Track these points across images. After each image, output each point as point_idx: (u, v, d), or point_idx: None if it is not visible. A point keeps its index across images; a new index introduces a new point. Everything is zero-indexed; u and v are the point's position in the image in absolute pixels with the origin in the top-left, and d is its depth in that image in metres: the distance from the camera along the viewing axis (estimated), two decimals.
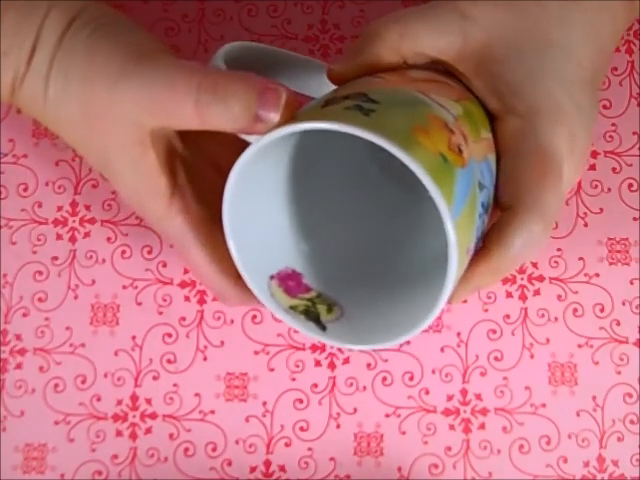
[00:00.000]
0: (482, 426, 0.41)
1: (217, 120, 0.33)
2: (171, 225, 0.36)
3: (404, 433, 0.41)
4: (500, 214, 0.33)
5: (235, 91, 0.32)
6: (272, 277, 0.36)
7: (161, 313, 0.42)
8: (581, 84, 0.34)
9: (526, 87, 0.34)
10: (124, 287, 0.43)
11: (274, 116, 0.31)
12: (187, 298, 0.43)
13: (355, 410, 0.41)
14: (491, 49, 0.34)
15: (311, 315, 0.36)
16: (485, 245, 0.33)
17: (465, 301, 0.42)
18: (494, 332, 0.42)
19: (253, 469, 0.41)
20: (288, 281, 0.36)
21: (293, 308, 0.36)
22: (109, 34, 0.35)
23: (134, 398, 0.42)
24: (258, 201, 0.36)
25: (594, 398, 0.41)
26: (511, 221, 0.32)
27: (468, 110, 0.33)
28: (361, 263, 0.38)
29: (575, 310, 0.42)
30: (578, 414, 0.41)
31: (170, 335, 0.42)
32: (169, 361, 0.42)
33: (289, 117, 0.31)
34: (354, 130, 0.29)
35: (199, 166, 0.37)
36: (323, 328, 0.36)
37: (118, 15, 0.37)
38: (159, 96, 0.33)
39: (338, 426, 0.41)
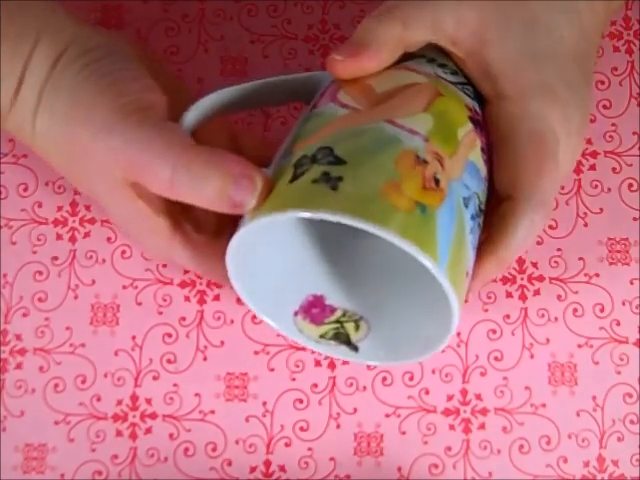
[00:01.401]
0: (482, 426, 0.41)
1: (190, 199, 0.33)
2: (175, 256, 0.37)
3: (404, 433, 0.41)
4: (501, 203, 0.33)
5: (210, 175, 0.32)
6: (296, 313, 0.37)
7: (161, 313, 0.42)
8: (567, 62, 0.34)
9: (516, 69, 0.34)
10: (124, 287, 0.43)
11: (249, 202, 0.32)
12: (187, 298, 0.43)
13: (355, 410, 0.41)
14: (482, 32, 0.34)
15: (341, 338, 0.37)
16: (490, 237, 0.33)
17: (465, 301, 0.42)
18: (494, 332, 0.42)
19: (253, 469, 0.41)
20: (312, 309, 0.37)
21: (323, 336, 0.37)
22: (97, 74, 0.35)
23: (134, 398, 0.41)
24: (263, 250, 0.36)
25: (594, 398, 0.41)
26: (513, 211, 0.32)
27: (441, 112, 0.33)
28: (379, 275, 0.39)
29: (575, 310, 0.42)
30: (578, 414, 0.41)
31: (170, 335, 0.42)
32: (169, 361, 0.42)
33: (264, 199, 0.32)
34: (323, 215, 0.29)
35: None
36: (355, 349, 0.37)
37: (111, 46, 0.36)
38: (136, 161, 0.33)
39: (338, 426, 0.41)
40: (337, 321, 0.37)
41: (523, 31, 0.34)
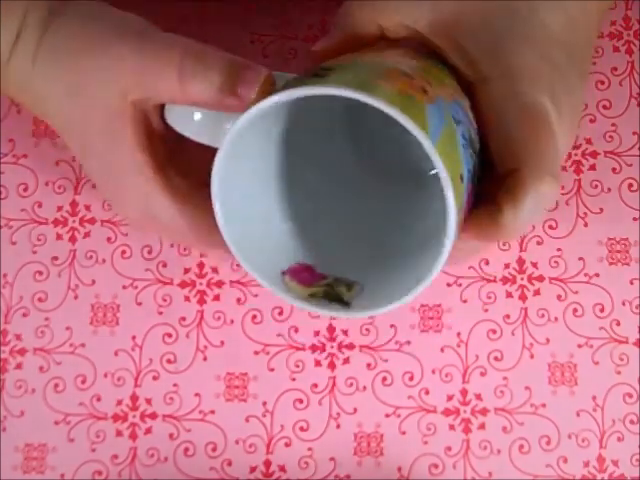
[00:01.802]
0: (482, 426, 0.41)
1: (197, 90, 0.33)
2: (154, 204, 0.36)
3: (404, 433, 0.41)
4: (507, 180, 0.33)
5: (217, 63, 0.33)
6: (284, 273, 0.36)
7: (161, 313, 0.42)
8: (552, 47, 0.34)
9: (498, 52, 0.34)
10: (124, 287, 0.43)
11: (253, 92, 0.33)
12: (187, 298, 0.43)
13: (355, 410, 0.41)
14: (461, 18, 0.34)
15: (332, 296, 0.36)
16: (498, 205, 0.33)
17: (465, 301, 0.42)
18: (494, 332, 0.42)
19: (253, 469, 0.41)
20: (301, 274, 0.36)
21: (312, 295, 0.36)
22: (100, 12, 0.36)
23: (134, 398, 0.42)
24: (250, 199, 0.36)
25: (594, 398, 0.41)
26: (520, 182, 0.32)
27: (426, 66, 0.34)
28: (367, 242, 0.38)
29: (575, 310, 0.42)
30: (578, 414, 0.41)
31: (170, 335, 0.42)
32: (169, 361, 0.42)
33: (267, 94, 0.32)
34: (324, 90, 0.30)
35: (182, 147, 0.37)
36: (347, 305, 0.35)
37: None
38: (145, 63, 0.34)
39: (338, 426, 0.41)
40: (328, 285, 0.37)
41: (500, 16, 0.34)
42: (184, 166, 0.37)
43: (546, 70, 0.34)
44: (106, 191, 0.38)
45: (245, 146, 0.33)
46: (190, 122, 0.35)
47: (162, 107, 0.36)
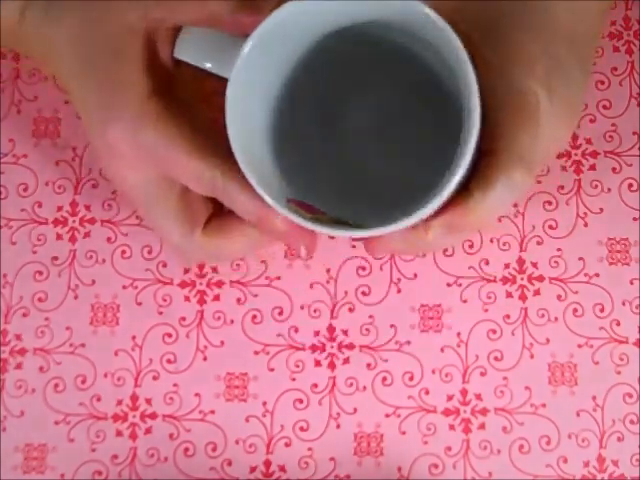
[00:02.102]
0: (482, 426, 0.41)
1: (216, 4, 0.34)
2: (147, 127, 0.35)
3: (404, 433, 0.41)
4: (482, 162, 0.33)
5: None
6: (289, 201, 0.35)
7: (161, 313, 0.42)
8: (555, 38, 0.34)
9: (497, 35, 0.34)
10: (124, 287, 0.43)
11: (270, 4, 0.32)
12: (187, 298, 0.43)
13: (355, 410, 0.41)
14: (465, 2, 0.34)
15: (340, 222, 0.35)
16: (468, 188, 0.33)
17: (465, 301, 0.42)
18: (494, 332, 0.42)
19: (253, 469, 0.41)
20: (304, 206, 0.35)
21: (318, 220, 0.35)
22: None
23: (134, 398, 0.41)
24: (259, 130, 0.36)
25: (594, 398, 0.41)
26: (491, 164, 0.32)
27: None
28: (368, 183, 0.38)
29: (575, 310, 0.42)
30: (578, 414, 0.41)
31: (170, 335, 0.42)
32: (169, 361, 0.42)
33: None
34: None
35: (184, 79, 0.38)
36: (357, 226, 0.34)
37: None
38: None
39: (338, 426, 0.41)
40: (331, 218, 0.36)
41: (503, 3, 0.34)
42: (185, 103, 0.37)
43: (545, 59, 0.34)
44: (97, 112, 0.36)
45: (257, 70, 0.33)
46: (203, 49, 0.35)
47: (173, 42, 0.36)
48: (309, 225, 0.33)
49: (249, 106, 0.34)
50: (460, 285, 0.42)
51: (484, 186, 0.32)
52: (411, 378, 0.41)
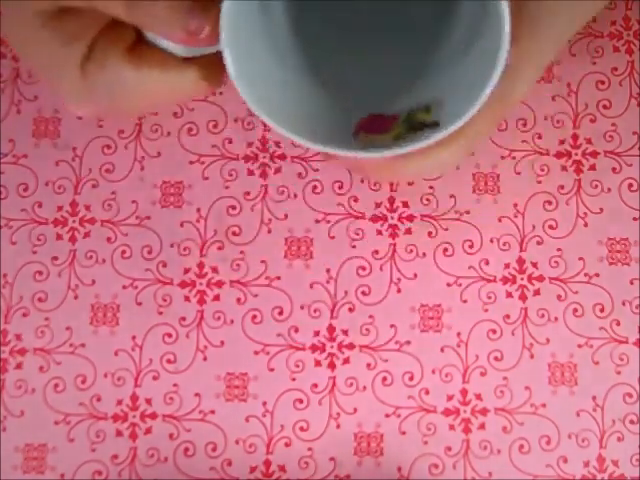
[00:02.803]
0: (482, 426, 0.41)
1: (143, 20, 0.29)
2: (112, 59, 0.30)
3: (404, 433, 0.41)
4: None
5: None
6: (357, 132, 0.32)
7: (161, 313, 0.42)
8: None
9: None
10: (124, 287, 0.43)
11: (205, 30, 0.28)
12: (187, 298, 0.43)
13: (355, 410, 0.41)
14: None
15: (417, 127, 0.32)
16: None
17: (465, 301, 0.42)
18: (494, 332, 0.42)
19: (253, 469, 0.41)
20: (373, 124, 0.32)
21: (397, 137, 0.31)
22: None
23: (134, 398, 0.42)
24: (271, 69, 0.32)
25: (594, 398, 0.41)
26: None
27: None
28: (369, 71, 0.35)
29: (575, 310, 0.42)
30: (578, 414, 0.41)
31: (170, 335, 0.42)
32: (169, 361, 0.42)
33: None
34: None
35: None
36: (437, 124, 0.31)
37: None
38: None
39: (338, 426, 0.41)
40: (406, 119, 0.33)
41: None
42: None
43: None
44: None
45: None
46: None
47: None
48: (387, 153, 0.30)
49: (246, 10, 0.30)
50: (460, 285, 0.42)
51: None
52: (411, 378, 0.41)
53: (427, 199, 0.43)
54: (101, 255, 0.43)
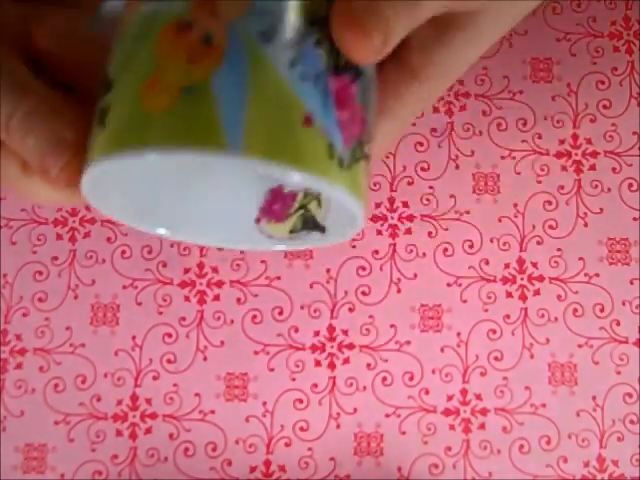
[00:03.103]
0: (482, 426, 0.41)
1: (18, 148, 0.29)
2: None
3: (404, 433, 0.41)
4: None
5: (35, 130, 0.28)
6: (258, 220, 0.33)
7: (161, 313, 0.42)
8: None
9: None
10: (124, 287, 0.43)
11: (54, 171, 0.28)
12: (187, 298, 0.43)
13: (355, 410, 0.41)
14: None
15: (310, 222, 0.33)
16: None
17: (465, 301, 0.42)
18: (494, 332, 0.42)
19: (253, 469, 0.41)
20: (273, 206, 0.33)
21: (293, 231, 0.33)
22: None
23: (134, 398, 0.42)
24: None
25: (594, 398, 0.41)
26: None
27: None
28: None
29: (575, 310, 0.42)
30: (578, 414, 0.41)
31: (170, 335, 0.42)
32: (169, 361, 0.42)
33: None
34: (99, 166, 0.25)
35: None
36: (324, 230, 0.32)
37: None
38: None
39: (338, 426, 0.41)
40: (301, 206, 0.34)
41: None
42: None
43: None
44: None
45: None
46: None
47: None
48: (287, 248, 0.32)
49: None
50: (460, 285, 0.42)
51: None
52: (411, 378, 0.41)
53: (427, 199, 0.43)
54: (101, 255, 0.43)
